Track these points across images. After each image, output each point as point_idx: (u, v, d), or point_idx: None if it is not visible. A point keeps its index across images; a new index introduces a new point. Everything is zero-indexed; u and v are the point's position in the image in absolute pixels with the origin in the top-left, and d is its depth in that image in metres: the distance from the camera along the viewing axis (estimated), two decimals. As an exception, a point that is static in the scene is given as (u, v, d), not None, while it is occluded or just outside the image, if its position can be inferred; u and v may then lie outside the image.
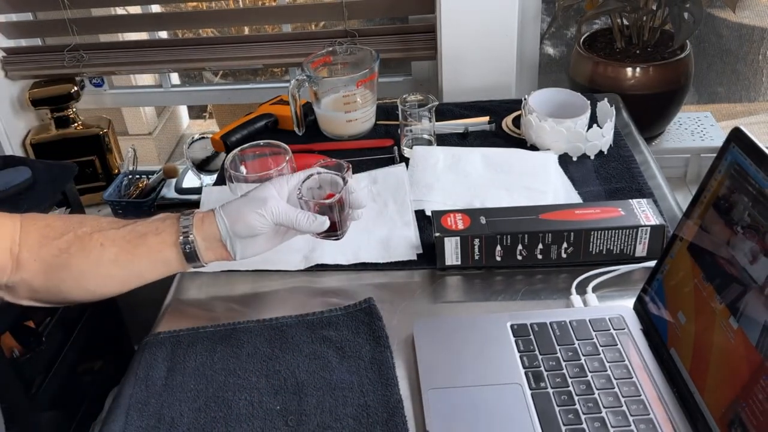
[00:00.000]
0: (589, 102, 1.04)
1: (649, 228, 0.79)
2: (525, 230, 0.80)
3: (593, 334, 0.69)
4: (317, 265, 0.85)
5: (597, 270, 0.79)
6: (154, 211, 1.47)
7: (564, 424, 0.61)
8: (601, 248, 0.80)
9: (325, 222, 0.77)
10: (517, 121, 1.12)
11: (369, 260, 0.85)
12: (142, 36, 1.66)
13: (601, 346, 0.68)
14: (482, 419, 0.62)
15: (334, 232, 0.80)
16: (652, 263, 0.72)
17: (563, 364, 0.67)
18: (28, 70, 1.51)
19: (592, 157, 1.02)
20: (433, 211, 0.85)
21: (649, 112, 1.27)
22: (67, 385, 1.34)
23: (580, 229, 0.79)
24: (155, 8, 1.55)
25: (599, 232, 0.79)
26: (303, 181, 0.79)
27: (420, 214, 0.92)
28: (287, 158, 0.91)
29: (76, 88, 1.51)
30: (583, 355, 0.67)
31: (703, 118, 1.41)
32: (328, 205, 0.78)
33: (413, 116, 1.04)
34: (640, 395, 0.63)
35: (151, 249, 0.75)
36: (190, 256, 0.75)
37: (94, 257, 0.75)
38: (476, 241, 0.81)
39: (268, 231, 0.77)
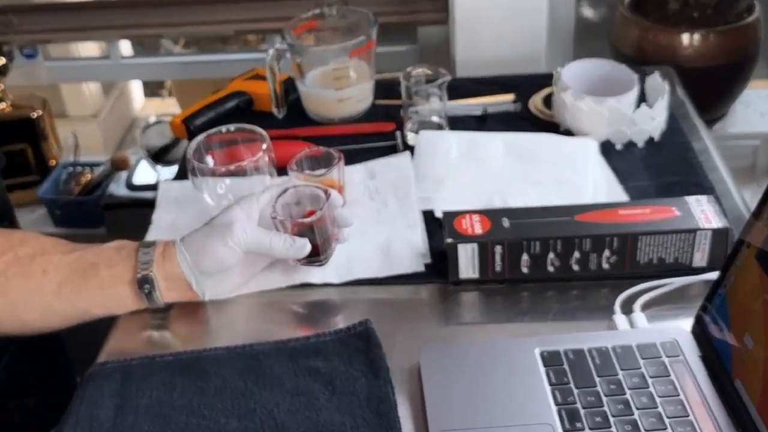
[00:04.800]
0: (636, 76, 1.04)
1: (709, 232, 0.79)
2: (558, 235, 0.80)
3: (641, 362, 0.70)
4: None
5: (646, 284, 0.79)
6: (100, 212, 1.47)
7: (605, 474, 0.61)
8: (650, 257, 0.81)
9: (305, 245, 0.79)
10: (548, 100, 1.12)
11: (366, 276, 0.85)
12: (85, -4, 1.66)
13: (650, 377, 0.68)
14: (505, 468, 0.62)
15: (316, 256, 0.82)
16: (714, 275, 0.72)
17: (604, 400, 0.67)
18: (-56, 38, 1.52)
19: (641, 145, 1.02)
20: (444, 212, 0.85)
21: (710, 88, 1.27)
22: (-6, 426, 1.34)
23: (625, 233, 0.80)
24: (101, -39, 1.55)
25: (649, 237, 0.80)
26: (277, 197, 0.81)
27: (428, 216, 0.92)
28: (264, 147, 0.91)
29: (4, 61, 1.51)
30: (629, 389, 0.67)
31: (777, 95, 1.42)
32: (308, 225, 0.79)
33: (420, 94, 1.04)
34: (698, 438, 0.63)
35: (102, 283, 0.78)
36: (149, 296, 0.79)
37: (34, 285, 0.77)
38: (497, 249, 0.81)
39: (239, 262, 0.80)
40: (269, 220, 0.81)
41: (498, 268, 0.82)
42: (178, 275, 0.79)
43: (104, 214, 1.47)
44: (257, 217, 0.81)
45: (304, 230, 0.80)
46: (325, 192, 0.81)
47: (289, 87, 1.15)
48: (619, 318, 0.76)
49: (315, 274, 0.85)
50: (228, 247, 0.78)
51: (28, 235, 0.81)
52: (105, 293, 0.78)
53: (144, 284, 0.78)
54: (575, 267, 0.81)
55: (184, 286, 0.80)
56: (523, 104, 1.12)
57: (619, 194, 0.94)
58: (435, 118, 1.06)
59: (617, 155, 1.01)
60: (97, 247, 0.80)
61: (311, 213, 0.81)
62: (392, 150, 1.06)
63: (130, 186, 1.50)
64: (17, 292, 0.77)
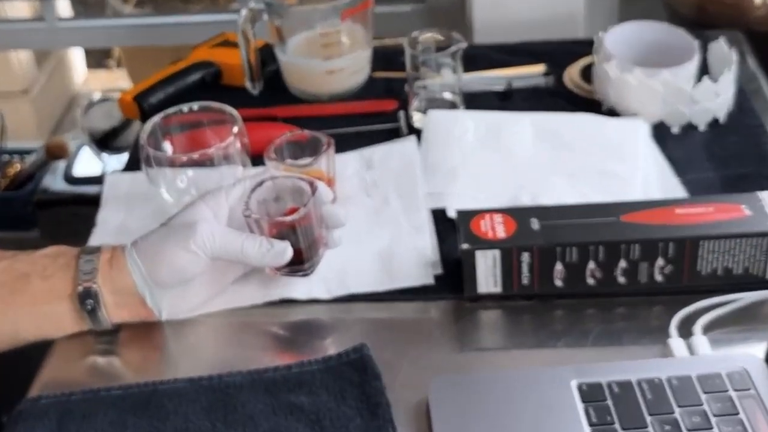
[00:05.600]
0: (696, 43, 1.04)
1: (788, 236, 0.80)
2: (600, 239, 0.80)
3: (703, 397, 0.69)
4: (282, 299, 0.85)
5: (709, 300, 0.79)
6: (32, 211, 1.47)
7: None
8: (714, 266, 0.81)
9: (285, 250, 0.79)
10: (587, 73, 1.12)
11: (362, 290, 0.85)
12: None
13: (714, 415, 0.68)
14: None
15: (299, 264, 0.82)
16: (793, 290, 0.72)
17: (657, 443, 0.67)
18: None
19: (702, 128, 1.02)
20: (458, 211, 0.85)
21: (790, 57, 1.27)
22: None
23: (683, 237, 0.80)
24: None
25: (712, 242, 0.80)
26: (251, 192, 0.81)
27: (439, 216, 0.93)
28: (235, 130, 0.91)
29: None
30: (688, 431, 0.67)
31: None
32: (290, 225, 0.79)
33: (428, 65, 1.04)
34: (774, 491, 0.63)
35: (34, 298, 0.78)
36: (93, 314, 0.79)
37: None
38: (525, 256, 0.81)
39: (204, 271, 0.80)
40: (241, 219, 0.81)
41: (525, 280, 0.82)
42: (128, 288, 0.79)
43: (37, 213, 1.47)
44: (226, 216, 0.81)
45: (284, 232, 0.80)
46: (311, 184, 0.81)
47: (267, 56, 1.15)
48: (676, 342, 0.76)
49: (299, 288, 0.85)
50: (190, 252, 0.78)
51: None
52: (38, 311, 0.78)
53: (86, 299, 0.78)
54: (621, 279, 0.81)
55: (136, 301, 0.80)
56: (557, 77, 1.13)
57: (675, 189, 0.94)
58: (447, 95, 1.07)
59: (673, 140, 1.01)
60: (28, 254, 0.80)
61: (293, 210, 0.81)
62: (394, 134, 1.06)
63: (70, 179, 1.50)
64: None
